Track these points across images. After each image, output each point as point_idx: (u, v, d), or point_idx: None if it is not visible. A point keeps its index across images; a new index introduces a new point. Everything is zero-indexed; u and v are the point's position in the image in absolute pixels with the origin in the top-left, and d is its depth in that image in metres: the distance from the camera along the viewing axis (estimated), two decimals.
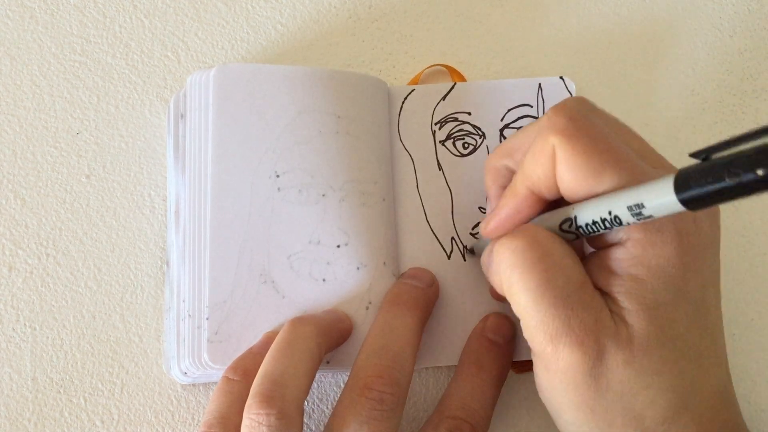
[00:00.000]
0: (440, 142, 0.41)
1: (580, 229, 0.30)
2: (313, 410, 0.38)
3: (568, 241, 0.31)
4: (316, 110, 0.38)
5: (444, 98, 0.41)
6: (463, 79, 0.43)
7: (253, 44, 0.44)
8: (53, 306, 0.39)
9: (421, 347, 0.38)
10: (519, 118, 0.41)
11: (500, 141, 0.41)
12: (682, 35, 0.45)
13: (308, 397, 0.38)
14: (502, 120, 0.41)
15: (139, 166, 0.41)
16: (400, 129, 0.41)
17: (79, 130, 0.42)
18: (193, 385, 0.38)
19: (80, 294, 0.39)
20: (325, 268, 0.37)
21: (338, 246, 0.37)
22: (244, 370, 0.34)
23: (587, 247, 0.33)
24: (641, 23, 0.45)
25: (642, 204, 0.26)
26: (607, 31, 0.45)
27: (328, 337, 0.34)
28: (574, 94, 0.42)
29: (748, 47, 0.45)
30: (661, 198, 0.25)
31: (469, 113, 0.41)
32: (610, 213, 0.28)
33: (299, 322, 0.34)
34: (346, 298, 0.37)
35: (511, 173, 0.34)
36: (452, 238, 0.40)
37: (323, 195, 0.37)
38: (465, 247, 0.39)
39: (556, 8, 0.45)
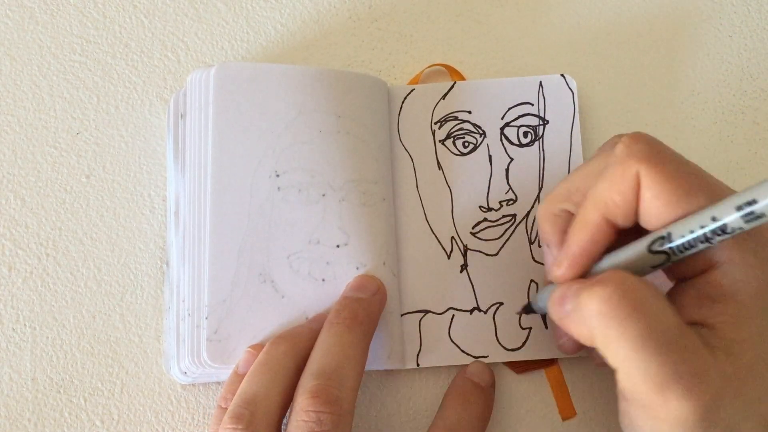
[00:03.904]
0: (440, 141, 0.41)
1: (673, 249, 0.29)
2: None
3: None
4: (316, 110, 0.38)
5: (444, 97, 0.41)
6: (462, 79, 0.43)
7: (253, 44, 0.44)
8: (53, 306, 0.39)
9: (421, 347, 0.38)
10: (519, 117, 0.41)
11: (501, 140, 0.41)
12: (682, 35, 0.45)
13: None
14: (502, 118, 0.41)
15: (139, 166, 0.41)
16: (399, 129, 0.41)
17: (79, 130, 0.42)
18: (193, 384, 0.38)
19: (80, 294, 0.39)
20: (325, 267, 0.37)
21: (338, 246, 0.37)
22: (233, 395, 0.34)
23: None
24: (642, 23, 0.45)
25: (754, 200, 0.26)
26: (607, 32, 0.45)
27: (308, 353, 0.34)
28: (575, 92, 0.41)
29: (748, 47, 0.45)
30: None
31: (470, 112, 0.41)
32: (714, 219, 0.27)
33: (277, 341, 0.35)
34: None
35: (570, 216, 0.33)
36: (452, 237, 0.40)
37: (323, 195, 0.37)
38: (524, 306, 0.37)
39: (556, 8, 0.45)
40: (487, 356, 0.38)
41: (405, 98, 0.42)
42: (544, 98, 0.41)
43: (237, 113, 0.38)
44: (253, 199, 0.37)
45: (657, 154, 0.29)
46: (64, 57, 0.43)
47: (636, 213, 0.30)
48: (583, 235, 0.31)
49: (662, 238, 0.29)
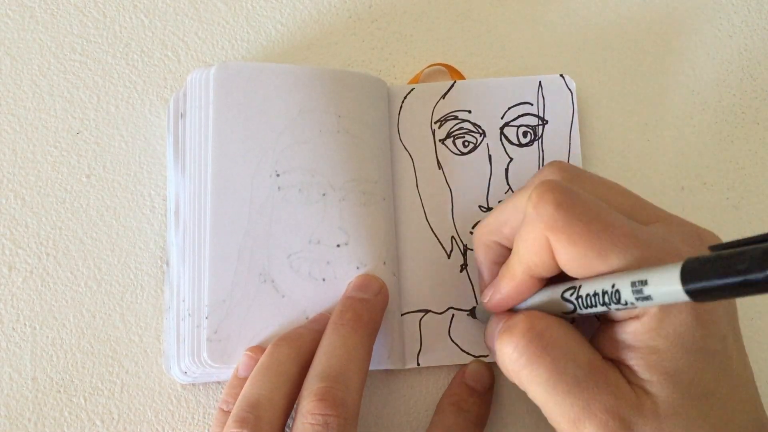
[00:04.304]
0: (440, 140, 0.41)
1: (580, 300, 0.29)
2: None
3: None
4: (316, 109, 0.38)
5: (444, 96, 0.41)
6: (462, 79, 0.43)
7: (253, 44, 0.44)
8: (53, 306, 0.39)
9: (422, 347, 0.38)
10: (519, 116, 0.41)
11: (500, 139, 0.41)
12: (682, 35, 0.45)
13: None
14: (502, 118, 0.41)
15: (139, 166, 0.41)
16: (399, 128, 0.41)
17: (79, 129, 0.42)
18: (193, 384, 0.38)
19: (80, 293, 0.39)
20: (325, 267, 0.37)
21: (338, 245, 0.37)
22: (235, 399, 0.34)
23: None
24: (641, 23, 0.45)
25: (645, 281, 0.25)
26: (607, 32, 0.45)
27: (311, 355, 0.34)
28: (574, 93, 0.42)
29: (748, 47, 0.45)
30: (666, 285, 0.24)
31: (469, 111, 0.41)
32: (613, 286, 0.27)
33: (279, 343, 0.35)
34: None
35: (500, 248, 0.35)
36: (452, 237, 0.40)
37: (323, 194, 0.37)
38: (472, 309, 0.39)
39: (556, 9, 0.45)
40: (488, 355, 0.38)
41: (405, 98, 0.42)
42: (543, 98, 0.41)
43: (237, 113, 0.38)
44: (253, 198, 0.37)
45: (563, 217, 0.29)
46: (64, 56, 0.43)
47: (558, 265, 0.30)
48: (510, 288, 0.33)
49: (573, 288, 0.30)
